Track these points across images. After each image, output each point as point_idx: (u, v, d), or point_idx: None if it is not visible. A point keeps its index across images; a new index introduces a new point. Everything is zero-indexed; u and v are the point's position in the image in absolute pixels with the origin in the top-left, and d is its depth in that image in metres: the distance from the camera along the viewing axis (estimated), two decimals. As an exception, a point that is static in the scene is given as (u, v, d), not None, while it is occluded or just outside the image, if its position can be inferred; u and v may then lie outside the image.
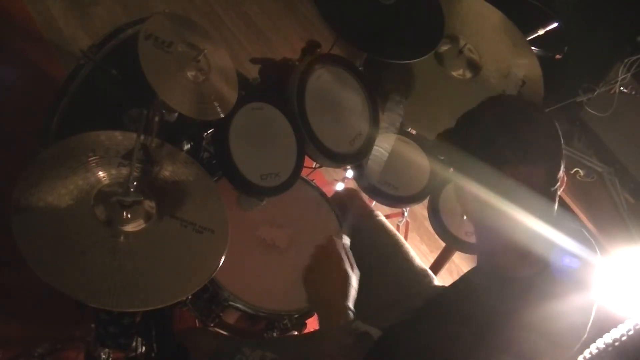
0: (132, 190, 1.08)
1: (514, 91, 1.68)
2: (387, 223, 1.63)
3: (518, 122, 0.96)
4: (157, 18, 1.17)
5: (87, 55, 1.42)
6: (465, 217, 1.58)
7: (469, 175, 1.00)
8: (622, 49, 2.47)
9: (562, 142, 0.99)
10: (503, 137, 0.95)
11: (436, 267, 1.96)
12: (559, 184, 0.99)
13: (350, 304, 1.08)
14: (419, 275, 1.50)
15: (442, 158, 1.68)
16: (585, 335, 1.02)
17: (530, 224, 0.95)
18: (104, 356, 1.38)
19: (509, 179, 0.94)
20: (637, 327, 1.43)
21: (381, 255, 1.51)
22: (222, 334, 1.42)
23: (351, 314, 1.07)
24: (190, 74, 1.17)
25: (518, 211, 0.94)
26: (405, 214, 1.95)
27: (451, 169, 1.08)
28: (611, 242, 2.30)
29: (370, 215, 1.63)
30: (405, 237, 2.10)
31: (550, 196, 0.98)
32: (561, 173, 0.99)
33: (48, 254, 0.97)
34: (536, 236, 0.95)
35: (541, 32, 2.00)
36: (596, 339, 1.46)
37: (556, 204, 1.00)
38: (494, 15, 1.85)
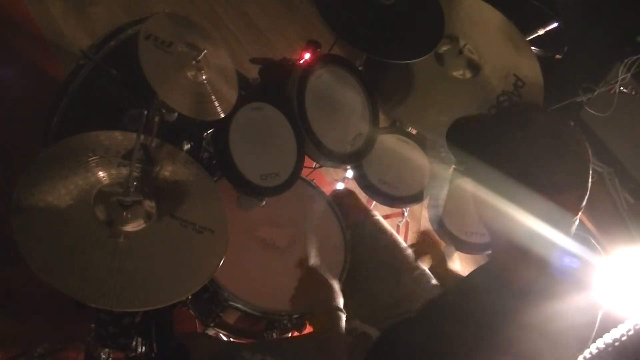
0: (132, 190, 1.08)
1: (514, 91, 1.68)
2: (385, 223, 1.63)
3: (557, 152, 0.93)
4: (157, 18, 1.17)
5: (87, 55, 1.42)
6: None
7: (479, 180, 0.99)
8: (622, 49, 2.46)
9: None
10: (541, 167, 0.91)
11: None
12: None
13: (340, 304, 1.23)
14: (418, 275, 1.50)
15: (444, 155, 1.68)
16: (590, 338, 1.01)
17: (533, 226, 0.94)
18: (104, 356, 1.38)
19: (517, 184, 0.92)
20: (637, 327, 1.44)
21: (380, 258, 1.52)
22: (222, 336, 1.42)
23: (341, 314, 1.20)
24: (190, 74, 1.17)
25: (523, 214, 0.93)
26: (405, 214, 1.95)
27: (451, 169, 1.07)
28: (611, 242, 2.30)
29: (367, 215, 1.63)
30: (405, 237, 2.10)
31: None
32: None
33: (48, 254, 0.97)
34: (538, 237, 0.95)
35: (541, 32, 2.00)
36: (596, 339, 1.46)
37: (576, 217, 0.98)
38: (494, 16, 1.85)
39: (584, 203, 0.95)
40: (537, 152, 0.92)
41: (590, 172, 0.97)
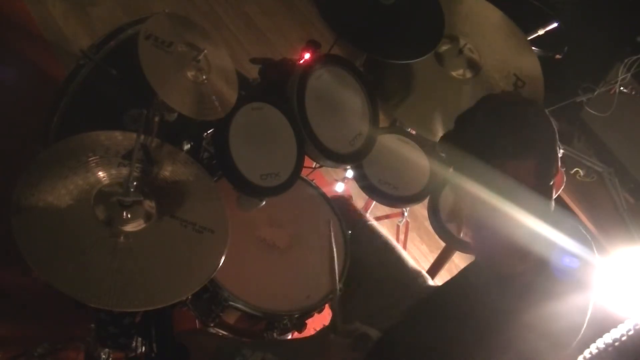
0: (132, 190, 1.08)
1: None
2: (379, 227, 1.64)
3: (508, 118, 0.95)
4: (157, 18, 1.17)
5: (87, 55, 1.42)
6: (463, 219, 1.58)
7: (467, 174, 0.99)
8: (622, 49, 2.46)
9: (557, 136, 0.98)
10: (494, 132, 0.94)
11: (436, 267, 1.96)
12: (554, 180, 0.98)
13: None
14: (413, 276, 1.51)
15: (443, 155, 1.69)
16: (581, 333, 1.02)
17: (528, 223, 0.94)
18: (104, 356, 1.38)
19: (502, 174, 0.93)
20: (637, 327, 1.43)
21: (377, 259, 1.53)
22: (222, 334, 1.42)
23: None
24: (190, 74, 1.17)
25: (515, 210, 0.93)
26: (405, 214, 1.94)
27: (451, 169, 1.08)
28: (611, 242, 2.29)
29: (361, 221, 1.64)
30: (405, 237, 2.10)
31: (544, 192, 0.97)
32: (556, 169, 0.97)
33: (48, 254, 0.97)
34: (534, 235, 0.95)
35: (541, 32, 2.00)
36: (596, 339, 1.46)
37: (552, 201, 0.99)
38: (494, 15, 1.85)
39: (551, 175, 0.96)
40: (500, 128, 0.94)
41: (556, 145, 0.97)
